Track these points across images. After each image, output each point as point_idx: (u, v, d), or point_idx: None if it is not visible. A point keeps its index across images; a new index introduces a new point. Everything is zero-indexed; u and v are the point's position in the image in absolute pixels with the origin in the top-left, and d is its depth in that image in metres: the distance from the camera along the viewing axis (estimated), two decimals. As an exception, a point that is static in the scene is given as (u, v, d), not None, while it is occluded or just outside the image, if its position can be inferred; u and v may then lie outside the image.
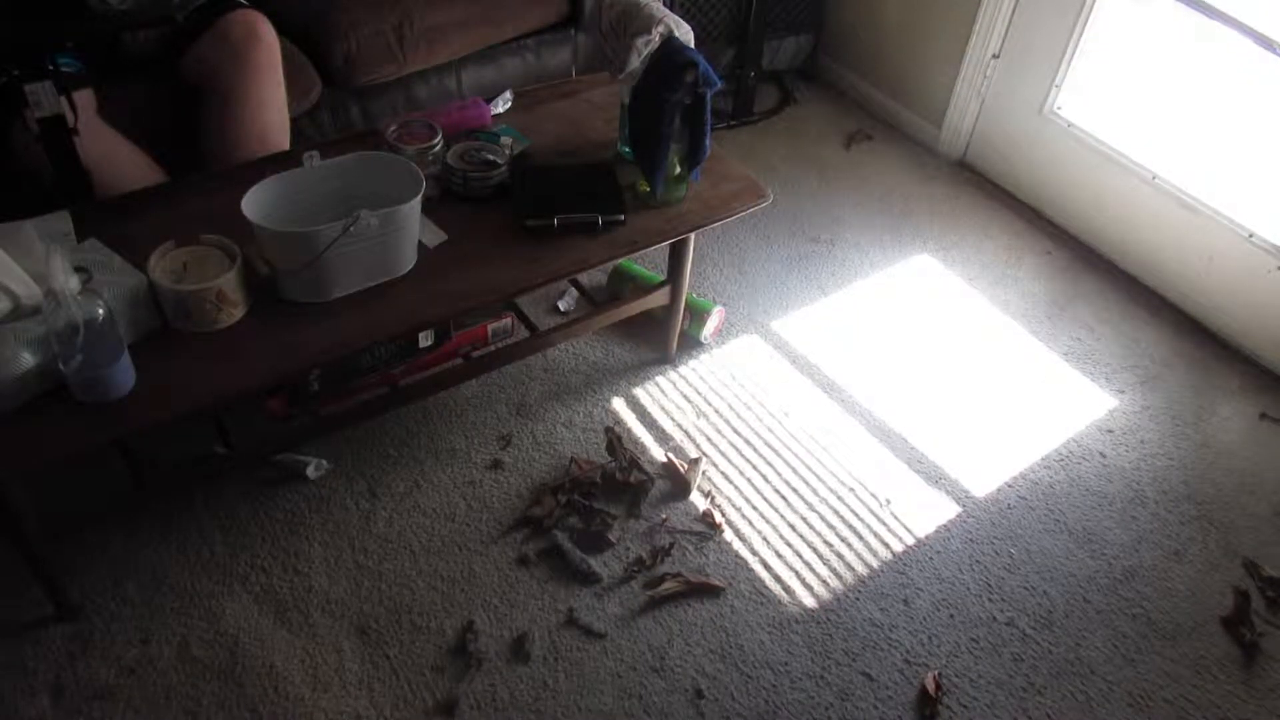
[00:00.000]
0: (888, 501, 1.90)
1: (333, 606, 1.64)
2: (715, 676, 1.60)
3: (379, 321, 1.51)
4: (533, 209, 1.68)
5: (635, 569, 1.73)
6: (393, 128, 1.73)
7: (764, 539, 1.81)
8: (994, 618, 1.73)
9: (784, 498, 1.89)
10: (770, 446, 1.98)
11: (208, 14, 1.91)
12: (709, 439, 1.99)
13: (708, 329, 2.17)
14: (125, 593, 1.63)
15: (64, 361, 1.27)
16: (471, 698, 1.54)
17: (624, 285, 2.18)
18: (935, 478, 1.96)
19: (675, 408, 2.05)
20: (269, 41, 1.93)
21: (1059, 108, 2.55)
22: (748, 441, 1.99)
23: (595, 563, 1.73)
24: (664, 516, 1.83)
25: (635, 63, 1.66)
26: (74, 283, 1.27)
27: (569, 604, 1.68)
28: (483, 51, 2.42)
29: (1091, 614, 1.74)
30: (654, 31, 1.64)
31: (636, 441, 1.96)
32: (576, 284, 2.23)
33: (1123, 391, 2.19)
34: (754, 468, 1.94)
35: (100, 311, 1.27)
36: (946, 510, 1.90)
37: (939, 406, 2.10)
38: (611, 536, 1.77)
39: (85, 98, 1.78)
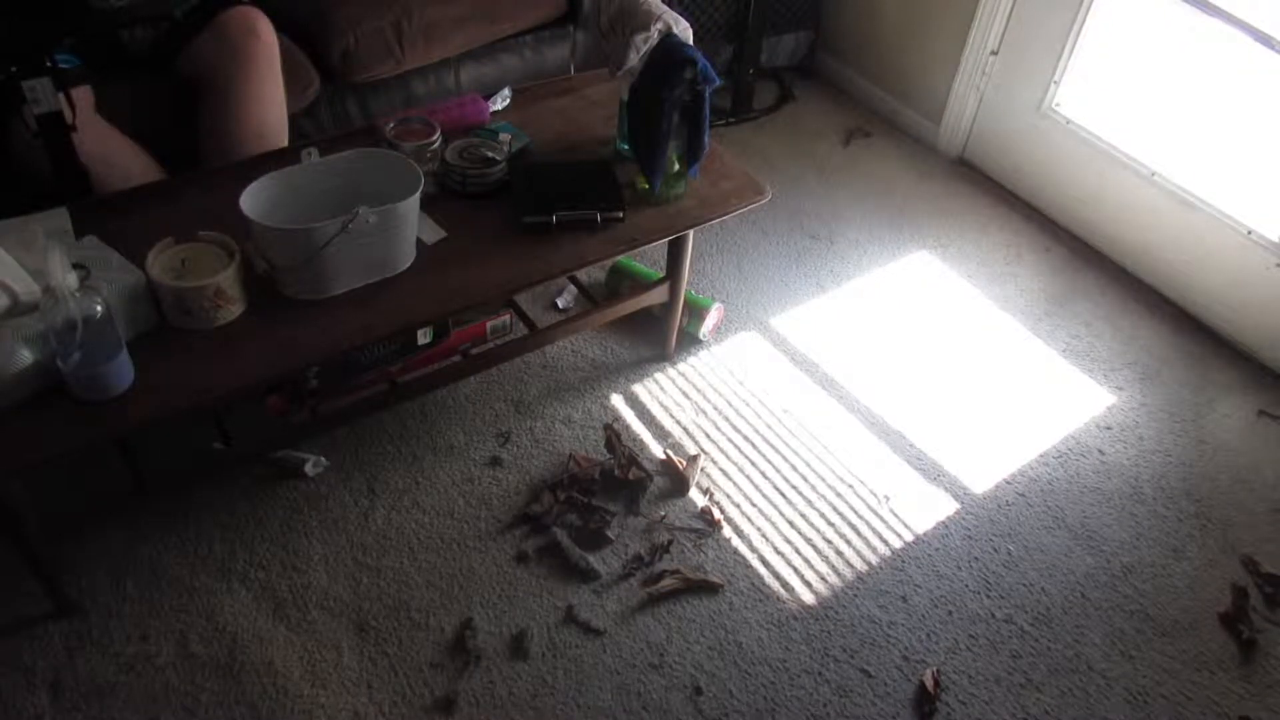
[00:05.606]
0: (886, 498, 1.91)
1: (331, 603, 1.64)
2: (714, 673, 1.60)
3: (378, 319, 1.51)
4: (531, 206, 1.68)
5: (634, 566, 1.74)
6: (391, 124, 1.73)
7: (763, 536, 1.81)
8: (992, 614, 1.73)
9: (783, 494, 1.89)
10: (769, 443, 1.99)
11: (206, 11, 1.91)
12: (708, 436, 1.99)
13: (706, 326, 2.17)
14: (124, 590, 1.63)
15: (62, 358, 1.27)
16: (470, 694, 1.54)
17: (623, 282, 2.18)
18: (934, 474, 1.96)
19: (674, 405, 2.05)
20: (267, 38, 1.93)
21: (1058, 104, 2.55)
22: (746, 438, 1.99)
23: (594, 560, 1.73)
24: (663, 514, 1.83)
25: (634, 60, 1.66)
26: (72, 279, 1.27)
27: (568, 601, 1.68)
28: (481, 48, 2.42)
29: (1090, 611, 1.75)
30: (652, 28, 1.64)
31: (635, 438, 1.96)
32: (575, 281, 2.23)
33: (1121, 388, 2.19)
34: (753, 464, 1.94)
35: (98, 308, 1.27)
36: (945, 507, 1.90)
37: (938, 403, 2.10)
38: (610, 533, 1.77)
39: (83, 95, 1.78)
